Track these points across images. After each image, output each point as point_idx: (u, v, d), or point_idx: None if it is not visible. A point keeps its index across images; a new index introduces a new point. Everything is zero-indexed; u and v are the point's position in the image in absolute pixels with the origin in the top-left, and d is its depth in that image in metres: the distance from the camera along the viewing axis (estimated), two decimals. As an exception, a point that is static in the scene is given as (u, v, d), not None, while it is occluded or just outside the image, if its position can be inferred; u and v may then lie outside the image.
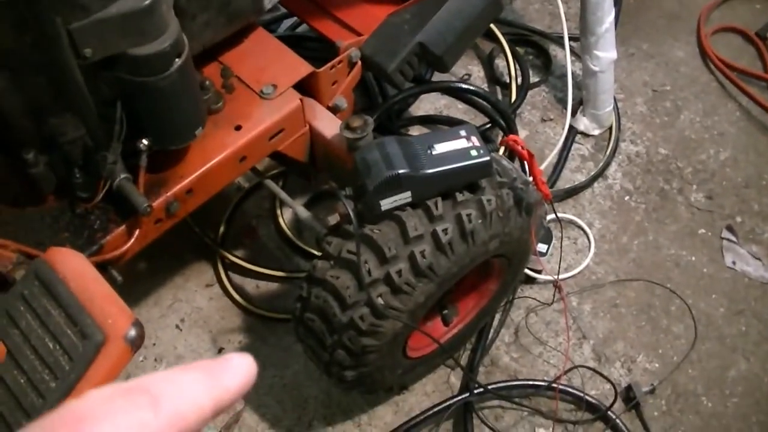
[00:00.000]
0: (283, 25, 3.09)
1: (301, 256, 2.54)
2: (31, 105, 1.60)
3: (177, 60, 1.58)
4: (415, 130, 2.85)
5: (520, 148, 1.80)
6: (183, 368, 0.54)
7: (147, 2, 1.49)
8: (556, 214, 2.31)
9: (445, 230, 1.69)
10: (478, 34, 2.33)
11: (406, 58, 2.10)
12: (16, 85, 1.56)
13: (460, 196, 1.73)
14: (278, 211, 2.61)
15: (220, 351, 2.36)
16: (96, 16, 1.46)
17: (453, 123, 2.84)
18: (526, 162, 1.84)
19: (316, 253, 2.45)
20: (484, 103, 2.75)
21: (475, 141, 1.74)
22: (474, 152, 1.71)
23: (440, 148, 1.71)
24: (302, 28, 3.07)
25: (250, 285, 2.50)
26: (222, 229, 2.58)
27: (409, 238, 1.68)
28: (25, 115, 1.62)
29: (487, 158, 1.71)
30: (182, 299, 2.48)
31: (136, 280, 2.49)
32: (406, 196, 1.69)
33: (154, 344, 2.38)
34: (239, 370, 0.57)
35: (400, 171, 1.64)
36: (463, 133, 1.76)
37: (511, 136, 1.84)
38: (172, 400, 0.51)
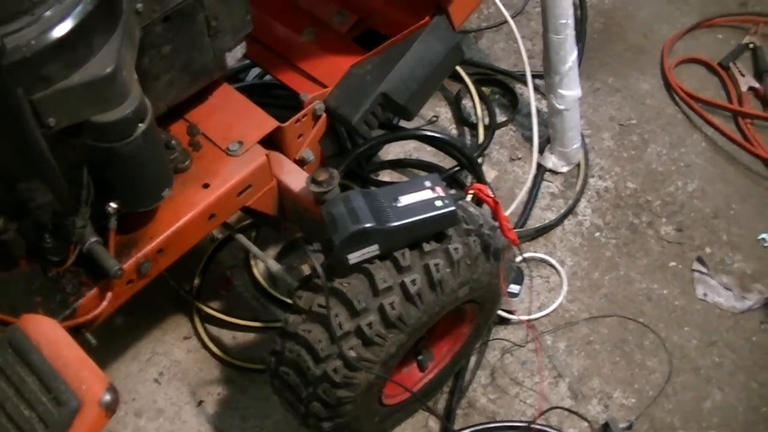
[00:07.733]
0: (251, 74, 3.12)
1: (276, 306, 2.54)
2: (-2, 172, 1.61)
3: (141, 125, 1.59)
4: (386, 174, 2.88)
5: (485, 196, 1.82)
6: None
7: (108, 70, 1.50)
8: (523, 257, 2.33)
9: (413, 281, 1.71)
10: (440, 80, 2.36)
11: (370, 108, 2.13)
12: (-18, 154, 1.57)
13: (427, 246, 1.75)
14: (252, 262, 2.62)
15: (200, 404, 2.36)
16: (58, 86, 1.47)
17: (423, 166, 2.87)
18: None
19: (291, 303, 2.45)
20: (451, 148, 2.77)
21: (440, 191, 1.76)
22: (439, 202, 1.74)
23: (405, 200, 1.73)
24: (270, 76, 3.08)
25: (227, 336, 2.51)
26: (197, 280, 2.59)
27: (378, 290, 1.70)
28: (-7, 182, 1.64)
29: (452, 208, 1.74)
30: (160, 352, 2.49)
31: (114, 335, 2.49)
32: (373, 249, 1.71)
33: (134, 399, 2.39)
34: None
35: (366, 225, 1.66)
36: (427, 183, 1.78)
37: (476, 185, 1.85)
38: None
